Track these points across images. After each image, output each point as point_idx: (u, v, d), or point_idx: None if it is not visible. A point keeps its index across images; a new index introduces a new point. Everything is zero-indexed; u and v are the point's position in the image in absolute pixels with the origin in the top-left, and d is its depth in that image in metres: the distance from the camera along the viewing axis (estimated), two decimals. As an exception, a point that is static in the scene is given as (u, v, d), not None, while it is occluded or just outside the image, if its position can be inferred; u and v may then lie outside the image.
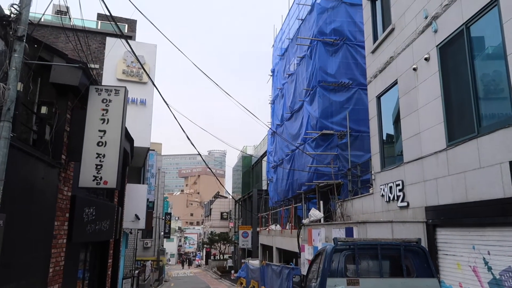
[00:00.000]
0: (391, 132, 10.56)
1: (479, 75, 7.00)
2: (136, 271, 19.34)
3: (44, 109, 6.96)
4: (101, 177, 7.24)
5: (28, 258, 5.91)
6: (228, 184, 64.91)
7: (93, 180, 7.23)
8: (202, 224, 76.77)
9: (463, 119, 7.32)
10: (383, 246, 6.09)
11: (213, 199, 62.45)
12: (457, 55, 7.54)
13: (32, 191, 6.03)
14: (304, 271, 10.36)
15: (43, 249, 6.51)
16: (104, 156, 7.32)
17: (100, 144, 7.36)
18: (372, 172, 10.96)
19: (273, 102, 23.53)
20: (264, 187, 29.34)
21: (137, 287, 17.82)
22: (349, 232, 8.94)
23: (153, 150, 24.72)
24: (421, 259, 6.06)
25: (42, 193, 6.35)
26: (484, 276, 6.45)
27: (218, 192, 64.44)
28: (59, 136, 7.05)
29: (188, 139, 11.39)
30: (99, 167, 7.26)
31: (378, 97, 10.91)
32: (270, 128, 22.38)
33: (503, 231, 6.06)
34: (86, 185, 7.30)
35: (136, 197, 14.98)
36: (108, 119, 7.51)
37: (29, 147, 6.09)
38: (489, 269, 6.33)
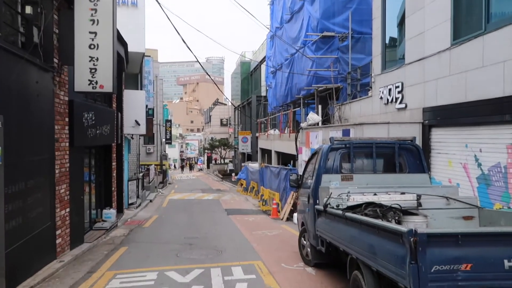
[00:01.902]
0: (394, 35, 10.16)
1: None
2: (141, 174, 20.16)
3: (29, 9, 6.61)
4: (96, 81, 7.16)
5: (33, 159, 6.09)
6: (227, 91, 64.66)
7: (89, 84, 7.16)
8: (202, 130, 78.23)
9: (471, 16, 6.98)
10: (378, 144, 6.22)
11: (212, 106, 62.65)
12: None
13: (28, 95, 5.99)
14: (301, 171, 10.79)
15: (47, 151, 6.69)
16: (97, 59, 7.14)
17: (92, 46, 7.13)
18: (372, 75, 10.79)
19: (272, 3, 22.24)
20: (263, 93, 29.20)
21: (143, 188, 18.74)
22: (346, 133, 9.10)
23: (149, 56, 24.04)
24: (414, 156, 6.25)
25: (38, 97, 6.31)
26: (474, 172, 6.73)
27: (217, 99, 64.45)
28: (48, 39, 6.79)
29: (184, 42, 11.02)
30: (93, 70, 7.12)
31: (383, -6, 10.26)
32: (270, 31, 21.50)
33: (497, 129, 6.16)
34: (82, 89, 7.25)
35: (134, 103, 14.99)
36: (97, 20, 7.17)
37: (17, 49, 5.89)
38: (479, 165, 6.57)
